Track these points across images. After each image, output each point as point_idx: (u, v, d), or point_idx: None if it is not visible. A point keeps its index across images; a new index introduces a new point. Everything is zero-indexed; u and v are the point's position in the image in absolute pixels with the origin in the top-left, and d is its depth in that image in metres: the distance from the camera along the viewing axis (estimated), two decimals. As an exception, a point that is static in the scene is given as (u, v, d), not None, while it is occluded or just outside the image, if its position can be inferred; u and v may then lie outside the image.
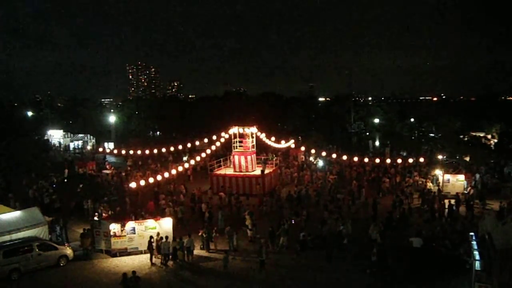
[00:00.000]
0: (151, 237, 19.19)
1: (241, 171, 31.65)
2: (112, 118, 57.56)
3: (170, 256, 18.97)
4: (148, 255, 19.33)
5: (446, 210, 24.22)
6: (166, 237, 19.06)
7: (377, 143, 50.77)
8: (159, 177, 25.27)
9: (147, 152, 36.04)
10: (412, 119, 54.86)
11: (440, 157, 36.75)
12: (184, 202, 26.72)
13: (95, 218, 22.38)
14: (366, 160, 34.27)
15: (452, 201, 25.45)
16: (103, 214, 23.67)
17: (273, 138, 35.58)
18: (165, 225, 20.03)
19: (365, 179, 32.10)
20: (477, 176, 31.05)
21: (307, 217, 23.28)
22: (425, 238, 18.87)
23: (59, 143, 56.94)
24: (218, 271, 18.06)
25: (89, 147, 55.04)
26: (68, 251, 19.16)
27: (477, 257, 14.43)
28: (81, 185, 30.38)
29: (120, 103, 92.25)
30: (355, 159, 34.00)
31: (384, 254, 17.61)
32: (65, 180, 34.58)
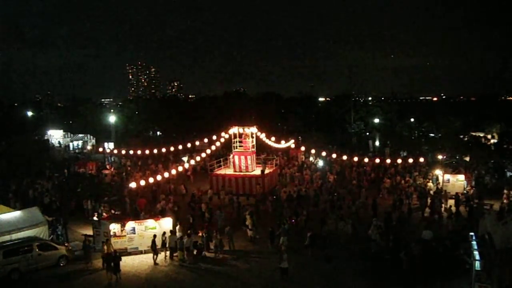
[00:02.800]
0: (154, 235, 19.21)
1: (241, 171, 31.66)
2: (112, 118, 57.43)
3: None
4: (148, 255, 19.41)
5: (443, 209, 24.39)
6: (171, 231, 19.47)
7: (377, 143, 50.75)
8: (159, 177, 25.28)
9: (147, 152, 36.04)
10: (412, 119, 54.84)
11: (440, 157, 36.75)
12: (177, 201, 26.97)
13: (95, 218, 22.37)
14: (366, 160, 34.27)
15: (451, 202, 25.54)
16: (104, 214, 23.65)
17: (273, 138, 35.59)
18: (165, 225, 20.06)
19: (365, 179, 32.11)
20: (476, 173, 31.23)
21: (307, 217, 23.28)
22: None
23: (59, 143, 56.91)
24: (218, 271, 18.06)
25: (89, 147, 55.01)
26: (68, 251, 19.15)
27: (477, 257, 14.42)
28: (80, 185, 30.35)
29: (120, 103, 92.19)
30: (355, 159, 34.01)
31: (399, 244, 18.17)
32: (65, 180, 34.57)
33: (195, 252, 19.36)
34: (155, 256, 18.91)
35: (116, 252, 17.36)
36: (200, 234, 20.48)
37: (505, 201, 25.52)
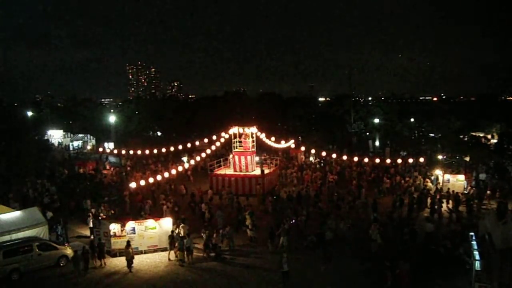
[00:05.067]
0: (172, 231, 19.61)
1: (241, 171, 31.64)
2: (112, 118, 57.48)
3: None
4: (148, 255, 19.47)
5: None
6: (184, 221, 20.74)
7: (377, 143, 50.75)
8: (159, 177, 25.27)
9: (147, 152, 36.01)
10: (412, 119, 54.76)
11: (440, 157, 36.73)
12: (177, 201, 27.02)
13: (90, 219, 22.34)
14: (366, 160, 34.26)
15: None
16: (101, 214, 23.59)
17: (273, 138, 35.57)
18: (165, 225, 20.07)
19: (365, 179, 32.07)
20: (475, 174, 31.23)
21: (307, 217, 23.26)
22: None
23: (59, 143, 56.90)
24: (218, 271, 18.05)
25: (89, 147, 55.03)
26: (68, 251, 19.13)
27: (477, 257, 14.43)
28: (80, 185, 30.33)
29: (120, 103, 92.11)
30: (355, 159, 33.98)
31: (415, 234, 19.60)
32: (65, 180, 34.53)
33: (213, 254, 19.38)
34: (170, 253, 19.18)
35: (100, 240, 18.71)
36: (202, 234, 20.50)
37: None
